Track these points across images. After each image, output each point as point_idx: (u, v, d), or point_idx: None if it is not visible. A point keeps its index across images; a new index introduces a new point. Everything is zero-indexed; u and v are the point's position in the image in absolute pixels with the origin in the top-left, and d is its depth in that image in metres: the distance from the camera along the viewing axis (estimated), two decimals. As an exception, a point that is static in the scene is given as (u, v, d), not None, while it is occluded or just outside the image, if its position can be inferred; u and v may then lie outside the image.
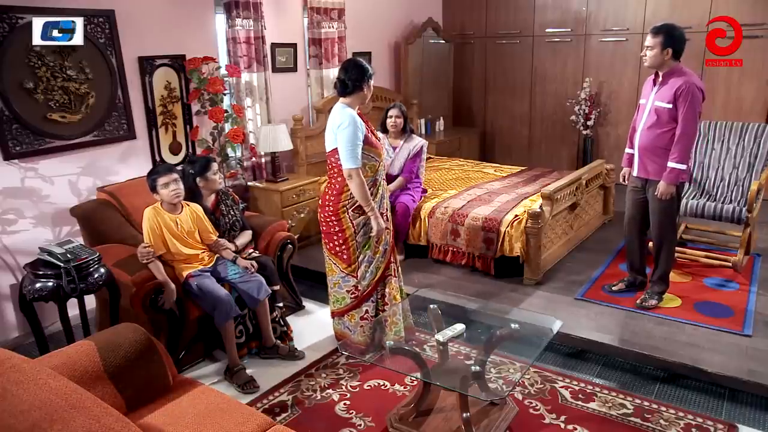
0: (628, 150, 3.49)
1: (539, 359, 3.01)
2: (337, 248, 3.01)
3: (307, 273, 4.13)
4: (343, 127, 2.81)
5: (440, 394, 2.55)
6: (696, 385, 2.85)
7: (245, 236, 3.35)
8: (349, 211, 2.92)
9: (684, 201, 4.02)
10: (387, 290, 3.12)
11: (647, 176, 3.29)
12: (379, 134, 4.27)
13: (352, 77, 2.87)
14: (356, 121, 2.82)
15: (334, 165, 2.94)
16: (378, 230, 2.94)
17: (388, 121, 4.29)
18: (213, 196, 3.31)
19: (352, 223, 2.94)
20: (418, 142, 4.31)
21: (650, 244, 3.59)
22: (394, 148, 4.30)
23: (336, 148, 2.87)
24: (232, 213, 3.33)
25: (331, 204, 2.95)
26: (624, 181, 3.59)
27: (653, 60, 3.12)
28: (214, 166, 3.24)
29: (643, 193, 3.38)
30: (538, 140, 6.81)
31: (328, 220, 2.98)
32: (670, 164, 3.13)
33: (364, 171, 2.88)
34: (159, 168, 3.01)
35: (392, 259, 3.12)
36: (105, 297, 2.91)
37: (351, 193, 2.89)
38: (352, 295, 3.08)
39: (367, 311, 3.11)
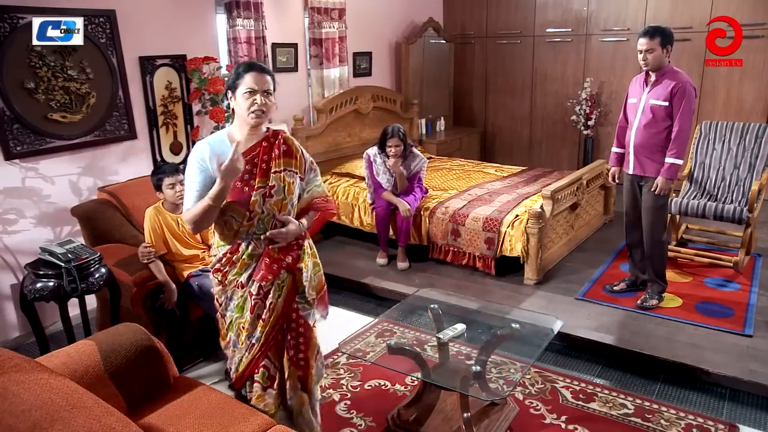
0: (615, 149, 3.53)
1: (540, 359, 3.01)
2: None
3: (307, 273, 4.12)
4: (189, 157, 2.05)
5: (441, 394, 2.55)
6: (697, 386, 2.85)
7: None
8: (211, 273, 2.19)
9: (685, 201, 4.03)
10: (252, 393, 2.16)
11: (643, 174, 3.32)
12: (378, 157, 4.24)
13: None
14: (197, 156, 2.01)
15: None
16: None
17: (388, 150, 4.16)
18: None
19: (215, 289, 2.19)
20: (417, 162, 4.27)
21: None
22: None
23: None
24: None
25: None
26: (613, 180, 3.65)
27: (657, 61, 3.15)
28: None
29: (640, 190, 3.40)
30: (539, 140, 6.81)
31: None
32: (669, 160, 3.17)
33: (218, 229, 2.08)
34: (165, 167, 3.01)
35: (260, 361, 2.12)
36: (106, 297, 2.92)
37: (213, 249, 2.16)
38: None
39: None
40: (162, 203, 2.98)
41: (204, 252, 3.08)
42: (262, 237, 2.06)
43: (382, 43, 6.11)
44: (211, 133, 4.11)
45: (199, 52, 4.07)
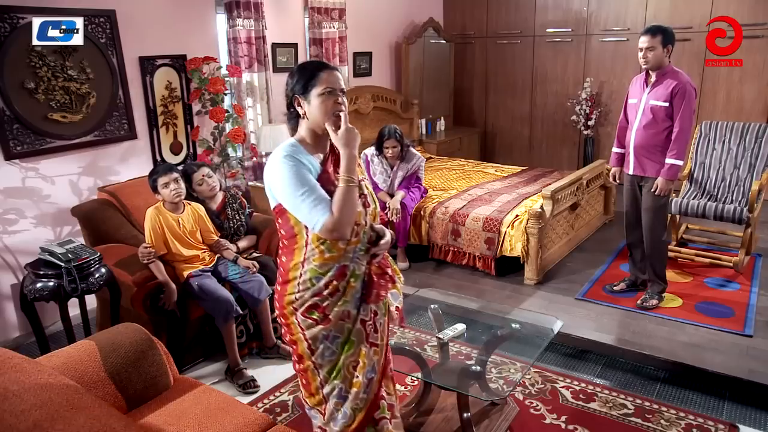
0: (616, 149, 3.54)
1: (540, 359, 3.01)
2: (297, 366, 1.87)
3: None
4: (275, 175, 1.72)
5: (441, 394, 2.55)
6: (697, 386, 2.84)
7: (248, 240, 3.35)
8: (298, 313, 1.76)
9: (685, 201, 4.03)
10: None
11: (644, 174, 3.33)
12: (375, 158, 4.26)
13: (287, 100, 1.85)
14: (286, 163, 1.70)
15: (282, 235, 1.82)
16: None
17: (386, 151, 4.21)
18: (220, 199, 3.31)
19: (304, 334, 1.77)
20: (414, 162, 4.28)
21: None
22: (392, 167, 4.27)
23: (282, 210, 1.76)
24: (237, 217, 3.33)
25: (277, 299, 1.84)
26: (613, 180, 3.66)
27: (656, 60, 3.15)
28: (196, 176, 3.22)
29: (640, 191, 3.40)
30: (539, 140, 6.81)
31: (281, 321, 1.86)
32: (669, 160, 3.17)
33: (318, 251, 1.73)
34: (159, 168, 3.02)
35: (385, 392, 1.89)
36: (106, 297, 2.92)
37: (301, 282, 1.74)
38: None
39: None
40: (162, 203, 2.98)
41: (204, 252, 3.08)
42: (364, 252, 1.81)
43: (382, 43, 6.11)
44: (212, 133, 4.13)
45: (199, 52, 4.07)
